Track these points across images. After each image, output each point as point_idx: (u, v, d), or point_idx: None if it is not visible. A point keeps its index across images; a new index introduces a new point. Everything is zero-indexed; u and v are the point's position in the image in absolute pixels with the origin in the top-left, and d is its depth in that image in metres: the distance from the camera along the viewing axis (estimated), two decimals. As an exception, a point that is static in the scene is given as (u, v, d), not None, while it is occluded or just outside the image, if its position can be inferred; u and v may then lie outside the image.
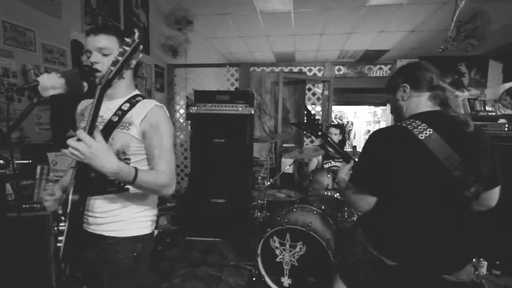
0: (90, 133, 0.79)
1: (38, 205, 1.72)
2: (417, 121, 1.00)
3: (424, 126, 0.98)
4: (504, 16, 3.26)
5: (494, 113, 2.95)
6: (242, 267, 2.36)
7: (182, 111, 4.11)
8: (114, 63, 0.80)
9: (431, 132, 0.96)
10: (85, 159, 0.76)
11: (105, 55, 0.96)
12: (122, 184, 0.99)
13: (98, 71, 0.95)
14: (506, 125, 2.27)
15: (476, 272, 1.24)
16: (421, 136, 0.96)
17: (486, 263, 2.37)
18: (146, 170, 1.00)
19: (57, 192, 1.02)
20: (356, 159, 1.23)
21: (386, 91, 1.23)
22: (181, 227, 3.03)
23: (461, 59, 3.45)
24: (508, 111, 3.23)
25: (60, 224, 0.99)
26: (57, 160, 1.99)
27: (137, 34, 0.78)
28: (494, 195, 1.08)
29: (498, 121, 2.32)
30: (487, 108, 3.37)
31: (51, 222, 1.62)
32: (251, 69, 3.86)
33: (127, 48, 0.79)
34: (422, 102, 1.07)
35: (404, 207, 1.02)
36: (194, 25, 3.84)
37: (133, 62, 0.85)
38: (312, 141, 3.83)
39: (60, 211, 0.97)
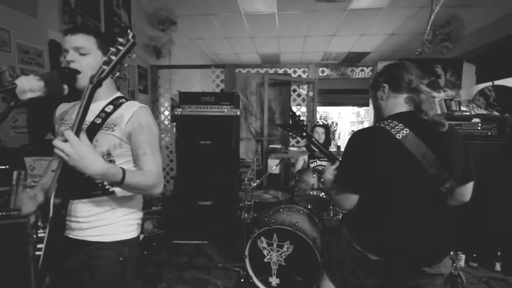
0: (77, 133, 0.78)
1: (15, 212, 1.64)
2: (394, 121, 1.05)
3: (401, 126, 1.03)
4: (476, 20, 3.44)
5: (468, 113, 3.10)
6: (230, 269, 2.35)
7: (167, 113, 4.05)
8: (107, 62, 0.78)
9: (407, 132, 1.01)
10: (70, 160, 0.75)
11: (82, 54, 0.95)
12: (107, 186, 0.98)
13: (78, 72, 0.93)
14: (480, 124, 2.40)
15: (454, 264, 1.30)
16: (399, 136, 1.01)
17: (464, 256, 2.49)
18: (134, 170, 0.98)
19: (39, 196, 0.95)
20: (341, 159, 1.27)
21: (370, 89, 1.28)
22: (167, 231, 2.98)
23: (437, 61, 3.60)
24: (482, 111, 3.41)
25: (39, 231, 0.95)
26: (35, 165, 1.91)
27: (131, 34, 0.77)
28: (467, 190, 1.14)
29: (472, 121, 2.44)
30: (462, 108, 3.54)
31: (29, 230, 1.56)
32: (237, 70, 3.86)
33: (121, 48, 0.77)
34: (399, 103, 1.12)
35: (384, 204, 1.07)
36: (178, 25, 3.80)
37: (123, 65, 0.84)
38: (298, 142, 3.88)
39: (33, 218, 0.92)
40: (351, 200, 1.11)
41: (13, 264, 1.52)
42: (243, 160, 3.79)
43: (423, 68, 3.71)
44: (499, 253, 2.37)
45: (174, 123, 3.72)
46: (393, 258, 1.08)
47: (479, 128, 2.40)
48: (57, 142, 0.74)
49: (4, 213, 1.62)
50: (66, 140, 0.74)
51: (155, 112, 3.97)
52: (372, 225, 1.10)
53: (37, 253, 0.89)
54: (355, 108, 9.13)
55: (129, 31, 0.77)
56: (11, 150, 1.89)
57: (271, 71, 3.86)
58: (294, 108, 3.93)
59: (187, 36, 4.75)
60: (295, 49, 5.59)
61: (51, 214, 0.84)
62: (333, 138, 8.54)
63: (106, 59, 0.78)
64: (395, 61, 3.70)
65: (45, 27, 2.22)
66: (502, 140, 2.34)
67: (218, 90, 3.92)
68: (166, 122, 4.08)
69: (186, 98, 2.89)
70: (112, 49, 0.78)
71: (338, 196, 1.15)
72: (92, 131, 0.95)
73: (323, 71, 3.79)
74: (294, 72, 3.82)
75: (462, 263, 2.47)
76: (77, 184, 0.93)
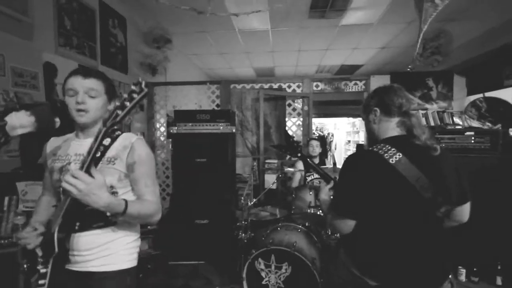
0: (88, 170, 0.83)
1: (6, 241, 1.60)
2: (387, 146, 1.05)
3: (394, 150, 1.03)
4: (464, 34, 3.54)
5: (461, 126, 3.14)
6: (228, 291, 2.30)
7: (162, 129, 4.04)
8: (121, 107, 0.81)
9: (400, 156, 1.01)
10: (79, 196, 0.80)
11: (91, 97, 1.00)
12: (109, 217, 0.99)
13: (84, 110, 0.99)
14: (473, 138, 2.42)
15: None
16: (392, 161, 1.01)
17: (464, 270, 2.47)
18: (135, 201, 1.02)
19: (39, 227, 0.97)
20: (337, 176, 1.27)
21: (362, 112, 1.28)
22: (162, 251, 2.92)
23: (428, 74, 3.67)
24: (474, 122, 3.46)
25: (39, 267, 0.94)
26: (27, 189, 1.87)
27: (143, 83, 0.81)
28: (464, 211, 1.14)
29: (465, 134, 2.47)
30: (454, 119, 3.59)
31: (20, 260, 1.51)
32: (232, 86, 3.89)
33: (135, 96, 0.81)
34: (391, 128, 1.13)
35: (381, 229, 1.07)
36: (173, 43, 3.85)
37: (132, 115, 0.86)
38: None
39: (39, 253, 0.94)
40: (348, 225, 1.10)
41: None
42: (239, 175, 3.77)
43: (415, 81, 3.81)
44: (499, 267, 2.35)
45: (170, 140, 3.71)
46: (392, 284, 1.06)
47: (472, 141, 2.42)
48: (69, 179, 0.79)
49: (-6, 242, 1.58)
50: (75, 176, 0.79)
51: (151, 128, 3.97)
52: (369, 251, 1.09)
53: None
54: (351, 119, 9.22)
55: (140, 79, 0.81)
56: (2, 175, 1.86)
57: (266, 86, 3.90)
58: (289, 123, 3.95)
59: (183, 52, 4.81)
60: (290, 63, 5.69)
61: (56, 249, 0.88)
62: (330, 149, 8.57)
63: (119, 104, 0.81)
64: (387, 74, 3.74)
65: (40, 50, 2.23)
66: (495, 153, 2.36)
67: (213, 106, 3.94)
68: (162, 138, 4.07)
69: (181, 116, 2.90)
70: (125, 96, 0.81)
71: (334, 222, 1.14)
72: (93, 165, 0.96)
73: (317, 86, 3.84)
74: (289, 86, 3.86)
75: (463, 278, 2.45)
76: (80, 218, 0.98)
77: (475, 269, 2.42)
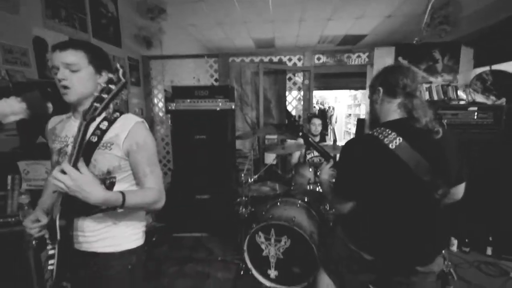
0: (75, 164, 0.79)
1: (13, 219, 1.65)
2: (387, 130, 1.04)
3: (394, 135, 1.02)
4: (474, 2, 3.34)
5: (465, 100, 3.07)
6: (230, 262, 2.41)
7: (161, 104, 3.99)
8: (99, 99, 0.77)
9: (400, 141, 1.01)
10: (70, 192, 0.78)
11: (73, 71, 0.92)
12: (107, 210, 0.99)
13: (66, 87, 0.91)
14: (476, 113, 2.39)
15: (446, 262, 1.34)
16: (392, 146, 1.00)
17: (456, 241, 2.57)
18: (134, 191, 0.99)
19: (42, 218, 0.98)
20: (337, 154, 1.28)
21: (368, 90, 1.26)
22: (166, 224, 3.02)
23: (434, 45, 3.52)
24: (478, 96, 3.38)
25: (48, 247, 0.98)
26: (29, 168, 1.89)
27: (121, 71, 0.76)
28: (459, 190, 1.17)
29: (468, 109, 2.43)
30: (458, 93, 3.52)
31: (28, 237, 1.57)
32: (230, 59, 3.76)
33: (113, 87, 0.76)
34: (392, 109, 1.11)
35: (379, 209, 1.09)
36: (167, 13, 3.65)
37: (118, 101, 0.82)
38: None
39: (46, 235, 0.96)
40: (347, 206, 1.14)
41: (15, 271, 1.55)
42: (239, 150, 3.78)
43: (420, 53, 3.67)
44: (490, 238, 2.45)
45: (169, 115, 3.67)
46: (387, 258, 1.11)
47: (475, 117, 2.39)
48: (56, 174, 0.76)
49: (1, 220, 1.63)
50: (64, 171, 0.76)
51: (149, 104, 3.91)
52: (367, 228, 1.13)
53: (49, 267, 0.95)
54: (352, 92, 9.05)
55: (118, 66, 0.76)
56: (2, 154, 1.87)
57: (266, 59, 3.76)
58: (289, 97, 3.87)
59: (178, 23, 4.58)
60: (291, 33, 5.44)
61: (59, 237, 0.88)
62: (330, 123, 8.52)
63: (97, 95, 0.77)
64: (391, 45, 3.58)
65: (29, 24, 2.13)
66: (497, 128, 2.34)
67: (212, 80, 3.84)
68: (161, 114, 4.03)
69: (179, 92, 2.83)
70: (104, 85, 0.77)
71: (335, 203, 1.19)
72: (90, 151, 0.94)
73: (319, 58, 3.71)
74: (289, 60, 3.73)
75: (454, 248, 2.55)
76: (81, 204, 0.94)
77: (466, 240, 2.52)
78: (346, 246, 1.21)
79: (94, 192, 0.80)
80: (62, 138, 1.02)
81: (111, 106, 0.79)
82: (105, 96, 0.76)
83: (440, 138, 1.02)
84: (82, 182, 0.77)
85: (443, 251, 1.18)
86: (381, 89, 1.14)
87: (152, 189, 0.99)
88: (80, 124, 0.78)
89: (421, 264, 1.09)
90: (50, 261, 0.94)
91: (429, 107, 1.07)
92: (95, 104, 0.77)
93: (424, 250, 1.09)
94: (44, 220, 0.95)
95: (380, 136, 1.03)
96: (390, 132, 1.03)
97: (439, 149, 1.03)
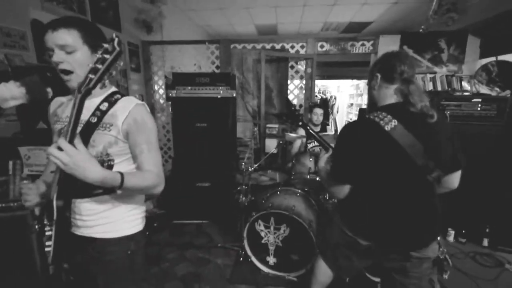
0: (71, 141, 0.76)
1: (15, 204, 1.66)
2: (383, 113, 1.06)
3: (389, 117, 1.04)
4: (484, -11, 3.24)
5: (469, 92, 3.04)
6: (230, 248, 2.45)
7: (161, 91, 3.95)
8: (94, 71, 0.74)
9: (396, 124, 1.02)
10: (66, 169, 0.75)
11: (68, 53, 0.87)
12: (104, 191, 0.97)
13: (70, 72, 0.88)
14: (480, 105, 2.36)
15: (441, 249, 1.36)
16: (387, 128, 1.02)
17: (453, 232, 2.60)
18: (133, 173, 0.97)
19: (41, 186, 0.97)
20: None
21: (368, 77, 1.27)
22: (167, 211, 3.06)
23: (441, 34, 3.45)
24: (483, 87, 3.34)
25: (46, 229, 0.98)
26: (30, 154, 1.89)
27: (116, 41, 0.72)
28: (455, 178, 1.17)
29: (472, 101, 2.40)
30: (463, 84, 3.47)
31: (31, 221, 1.59)
32: (232, 46, 3.69)
33: (108, 56, 0.73)
34: (388, 95, 1.13)
35: (373, 193, 1.12)
36: (168, -4, 3.56)
37: (114, 71, 0.78)
38: None
39: (39, 213, 0.94)
40: (344, 190, 1.16)
41: (18, 255, 1.58)
42: (240, 139, 3.78)
43: (426, 42, 3.59)
44: (487, 230, 2.47)
45: (170, 102, 3.64)
46: (382, 243, 1.14)
47: (479, 109, 2.37)
48: (52, 150, 0.73)
49: (4, 205, 1.64)
50: (61, 148, 0.73)
51: (149, 91, 3.87)
52: (362, 213, 1.16)
53: (46, 249, 0.93)
54: (355, 81, 8.94)
55: (114, 35, 0.72)
56: (3, 140, 1.86)
57: (268, 46, 3.69)
58: (291, 86, 3.83)
59: (179, 7, 4.48)
60: (293, 20, 5.32)
61: (55, 217, 0.86)
62: (332, 112, 8.46)
63: (93, 66, 0.74)
64: (397, 33, 3.50)
65: (26, 6, 2.08)
66: (500, 121, 2.32)
67: (213, 67, 3.78)
68: (162, 101, 3.99)
69: (180, 79, 2.80)
70: (98, 56, 0.73)
71: (332, 187, 1.20)
72: (88, 131, 0.92)
73: (322, 46, 3.64)
74: (292, 47, 3.66)
75: (451, 238, 2.59)
76: (78, 185, 0.91)
77: (463, 231, 2.55)
78: (343, 233, 1.24)
79: (92, 170, 0.77)
80: (63, 119, 1.00)
81: (105, 77, 0.76)
82: (99, 66, 0.73)
83: (435, 123, 1.04)
84: (79, 159, 0.74)
85: (438, 238, 1.19)
86: (379, 75, 1.15)
87: (151, 172, 0.97)
88: (75, 98, 0.75)
89: (415, 248, 1.11)
90: (48, 242, 0.92)
91: (425, 93, 1.09)
92: (90, 75, 0.74)
93: (418, 234, 1.11)
94: (43, 188, 0.94)
95: (376, 119, 1.05)
96: (386, 115, 1.05)
97: (433, 133, 1.05)
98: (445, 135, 1.08)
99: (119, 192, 0.97)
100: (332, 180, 1.18)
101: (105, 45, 0.72)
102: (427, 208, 1.11)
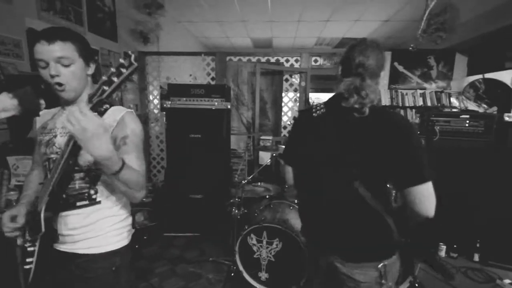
0: (78, 150, 0.79)
1: (2, 215, 1.61)
2: (321, 105, 1.05)
3: (323, 110, 1.03)
4: (471, 9, 3.39)
5: (457, 107, 3.12)
6: (221, 263, 2.41)
7: (156, 101, 3.94)
8: (108, 83, 0.73)
9: (323, 111, 1.03)
10: (84, 136, 0.71)
11: (65, 65, 0.87)
12: (93, 197, 0.98)
13: (60, 84, 0.87)
14: (468, 121, 2.43)
15: (383, 281, 0.95)
16: (316, 121, 1.03)
17: (445, 246, 2.61)
18: (129, 166, 0.94)
19: (20, 219, 0.93)
20: None
21: None
22: (158, 223, 3.00)
23: (430, 52, 3.57)
24: (471, 103, 3.44)
25: (26, 245, 0.94)
26: (18, 164, 1.85)
27: (133, 57, 0.73)
28: (416, 196, 0.85)
29: (460, 117, 2.47)
30: (452, 100, 3.57)
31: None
32: (228, 58, 3.74)
33: (124, 71, 0.73)
34: (339, 88, 1.00)
35: (302, 185, 1.16)
36: (165, 8, 3.61)
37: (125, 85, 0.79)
38: (290, 124, 3.87)
39: (20, 241, 0.93)
40: (289, 172, 1.22)
41: (2, 269, 1.51)
42: (234, 150, 3.77)
43: (416, 59, 3.70)
44: (478, 245, 2.49)
45: (164, 112, 3.64)
46: (312, 245, 1.16)
47: (467, 125, 2.43)
48: (75, 112, 0.70)
49: (-12, 216, 1.59)
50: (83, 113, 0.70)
51: (144, 100, 3.87)
52: (300, 213, 1.22)
53: (26, 267, 0.91)
54: (348, 94, 9.09)
55: (130, 52, 0.73)
56: (-8, 149, 1.82)
57: (263, 59, 3.76)
58: (285, 98, 3.87)
59: (176, 19, 4.55)
60: (288, 34, 5.45)
61: (43, 229, 0.84)
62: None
63: (106, 79, 0.73)
64: (388, 50, 3.58)
65: (22, 15, 2.08)
66: (488, 137, 2.38)
67: (209, 79, 3.82)
68: (156, 111, 3.99)
69: (175, 90, 2.81)
70: (113, 70, 0.73)
71: (281, 168, 1.30)
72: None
73: (316, 61, 3.72)
74: (287, 61, 3.73)
75: (443, 253, 2.59)
76: (65, 195, 0.93)
77: (455, 246, 2.56)
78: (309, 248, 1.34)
79: (106, 142, 0.75)
80: (51, 130, 0.99)
81: (118, 90, 0.77)
82: (115, 79, 0.73)
83: (373, 125, 0.91)
84: (100, 127, 0.72)
85: (380, 266, 0.93)
86: (340, 67, 1.04)
87: (139, 172, 0.95)
88: (85, 107, 0.74)
89: (339, 257, 0.98)
90: (28, 259, 0.91)
91: (375, 91, 0.93)
92: (104, 87, 0.73)
93: (339, 243, 1.00)
94: (21, 221, 0.92)
95: (313, 109, 1.06)
96: (322, 106, 1.04)
97: (363, 134, 0.92)
98: (383, 137, 0.90)
99: (102, 203, 0.98)
100: (281, 162, 1.28)
101: (122, 61, 0.73)
102: (353, 218, 0.96)
